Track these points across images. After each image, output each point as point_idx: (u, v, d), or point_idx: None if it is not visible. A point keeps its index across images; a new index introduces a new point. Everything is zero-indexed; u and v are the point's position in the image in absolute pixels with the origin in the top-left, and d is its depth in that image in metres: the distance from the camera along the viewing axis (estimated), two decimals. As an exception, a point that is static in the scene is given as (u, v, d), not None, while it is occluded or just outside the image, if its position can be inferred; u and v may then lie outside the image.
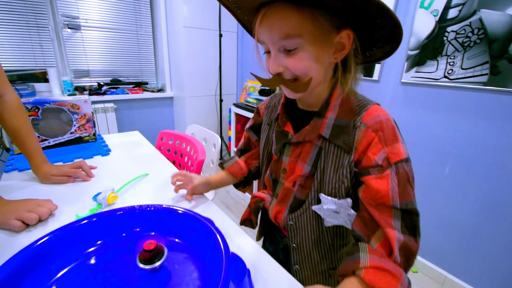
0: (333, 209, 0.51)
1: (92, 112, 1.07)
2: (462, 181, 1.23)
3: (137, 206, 0.50)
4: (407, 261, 0.44)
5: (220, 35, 2.19)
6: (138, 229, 0.51)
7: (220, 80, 2.35)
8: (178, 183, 0.71)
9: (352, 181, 0.49)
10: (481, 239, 1.21)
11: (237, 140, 2.19)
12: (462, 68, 1.15)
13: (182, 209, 0.50)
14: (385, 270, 0.41)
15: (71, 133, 1.05)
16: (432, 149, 1.31)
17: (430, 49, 1.23)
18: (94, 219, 0.46)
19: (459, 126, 1.21)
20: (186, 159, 1.08)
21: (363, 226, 0.47)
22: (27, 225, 0.57)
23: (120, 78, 2.38)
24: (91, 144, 1.09)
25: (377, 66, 1.45)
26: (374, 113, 0.47)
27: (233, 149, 2.19)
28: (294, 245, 0.59)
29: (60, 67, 2.07)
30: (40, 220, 0.59)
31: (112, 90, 2.25)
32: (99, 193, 0.67)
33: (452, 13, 1.14)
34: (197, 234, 0.48)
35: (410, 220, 0.44)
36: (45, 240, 0.41)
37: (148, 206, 0.50)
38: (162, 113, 2.58)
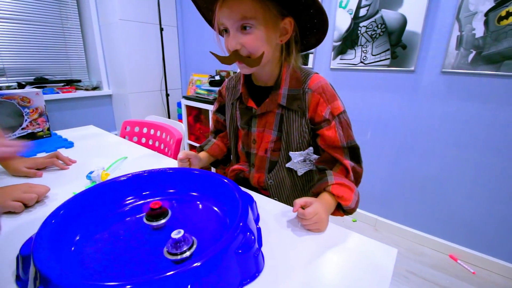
0: (301, 160, 0.69)
1: (45, 105, 1.01)
2: (380, 142, 1.60)
3: (158, 169, 0.57)
4: (356, 180, 0.65)
5: (161, 29, 2.17)
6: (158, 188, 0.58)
7: (165, 75, 2.34)
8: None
9: (310, 134, 0.66)
10: (394, 183, 1.60)
11: (189, 133, 2.23)
12: (372, 55, 1.49)
13: (196, 170, 0.60)
14: (345, 185, 0.60)
15: (22, 128, 0.97)
16: (357, 121, 1.65)
17: (349, 40, 1.55)
18: (125, 178, 0.52)
19: (373, 100, 1.56)
20: (157, 144, 1.11)
21: (326, 163, 0.66)
22: (25, 206, 0.58)
23: (46, 77, 2.13)
24: (47, 139, 1.02)
25: (311, 56, 1.72)
26: (316, 80, 0.62)
27: (186, 141, 2.22)
28: (276, 198, 0.73)
29: (-35, 64, 1.75)
30: (37, 201, 0.60)
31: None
32: (92, 172, 0.69)
33: (362, 12, 1.47)
34: (209, 185, 0.58)
35: (354, 153, 0.65)
36: (93, 188, 0.47)
37: (168, 168, 0.58)
38: (100, 113, 2.41)
